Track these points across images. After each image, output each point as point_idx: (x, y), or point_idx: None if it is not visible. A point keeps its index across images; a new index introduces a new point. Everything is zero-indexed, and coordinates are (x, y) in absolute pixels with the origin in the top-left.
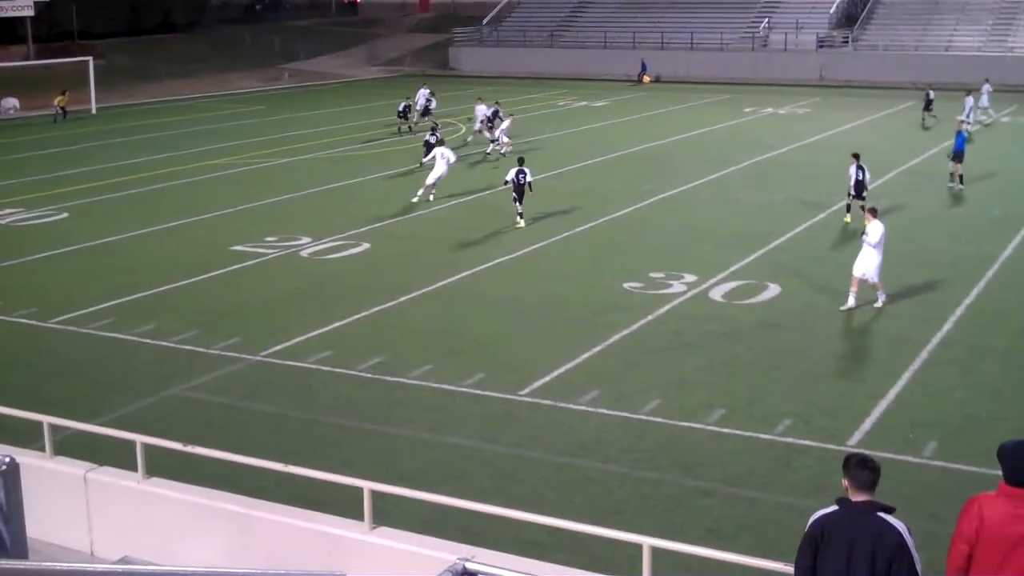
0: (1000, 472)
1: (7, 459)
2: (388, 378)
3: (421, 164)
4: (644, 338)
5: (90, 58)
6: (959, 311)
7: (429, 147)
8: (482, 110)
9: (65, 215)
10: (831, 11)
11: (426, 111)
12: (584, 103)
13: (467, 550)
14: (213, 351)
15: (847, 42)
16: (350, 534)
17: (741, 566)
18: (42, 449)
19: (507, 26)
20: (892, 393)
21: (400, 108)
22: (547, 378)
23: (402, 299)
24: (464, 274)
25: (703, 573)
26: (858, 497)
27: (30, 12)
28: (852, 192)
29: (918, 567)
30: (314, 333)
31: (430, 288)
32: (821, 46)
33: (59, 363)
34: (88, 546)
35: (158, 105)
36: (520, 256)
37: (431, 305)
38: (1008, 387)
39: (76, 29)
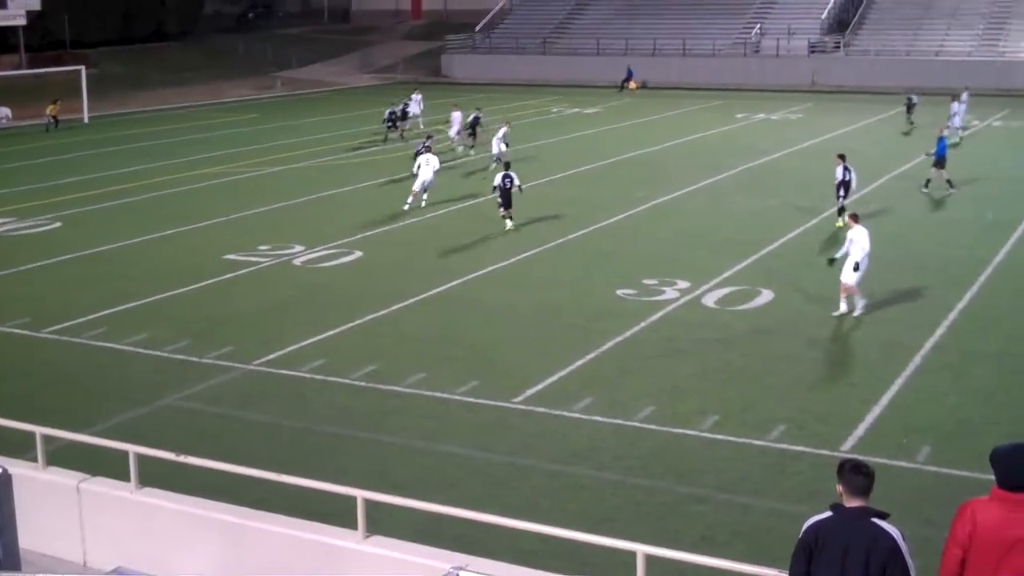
0: (993, 476)
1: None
2: (382, 386)
3: (413, 173)
4: (637, 345)
5: (82, 67)
6: (951, 316)
7: (419, 155)
8: (458, 117)
9: (58, 224)
10: (823, 16)
11: (403, 115)
12: (577, 110)
13: (461, 558)
14: (207, 360)
15: (839, 47)
16: (344, 543)
17: (735, 572)
18: (35, 460)
19: (500, 33)
20: (885, 398)
21: (386, 115)
22: (541, 385)
23: (395, 307)
24: (457, 281)
25: None
26: (852, 503)
27: (22, 21)
28: (840, 193)
29: (912, 572)
30: (307, 342)
31: (423, 296)
32: (813, 51)
33: (53, 373)
34: (81, 557)
35: (151, 114)
36: (513, 263)
37: (424, 313)
38: (1001, 391)
39: (68, 38)
